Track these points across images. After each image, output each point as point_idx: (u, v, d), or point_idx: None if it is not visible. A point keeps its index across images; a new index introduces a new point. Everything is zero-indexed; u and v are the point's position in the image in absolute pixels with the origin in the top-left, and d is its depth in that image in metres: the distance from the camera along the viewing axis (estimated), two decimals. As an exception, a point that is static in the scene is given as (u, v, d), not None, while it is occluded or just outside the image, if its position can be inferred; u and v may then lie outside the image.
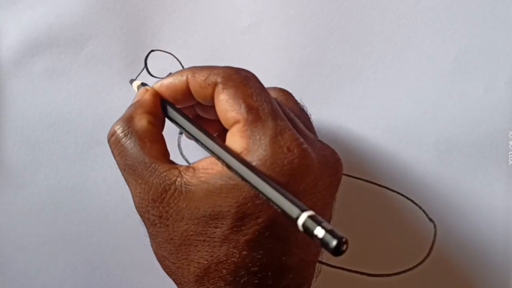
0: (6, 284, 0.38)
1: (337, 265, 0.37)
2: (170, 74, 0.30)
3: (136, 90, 0.32)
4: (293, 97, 0.33)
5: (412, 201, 0.38)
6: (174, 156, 0.38)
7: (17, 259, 0.38)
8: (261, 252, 0.26)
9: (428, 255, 0.38)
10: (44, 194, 0.38)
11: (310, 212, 0.22)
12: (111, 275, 0.38)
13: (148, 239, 0.35)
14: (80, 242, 0.38)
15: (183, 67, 0.38)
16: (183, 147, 0.38)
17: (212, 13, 0.38)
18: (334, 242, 0.21)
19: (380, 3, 0.38)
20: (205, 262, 0.26)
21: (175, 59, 0.38)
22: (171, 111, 0.29)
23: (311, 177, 0.26)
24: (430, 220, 0.38)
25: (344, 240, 0.21)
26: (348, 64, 0.38)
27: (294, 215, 0.22)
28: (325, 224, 0.21)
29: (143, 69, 0.38)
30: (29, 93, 0.38)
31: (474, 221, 0.38)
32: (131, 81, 0.37)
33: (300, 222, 0.22)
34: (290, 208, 0.23)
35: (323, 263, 0.35)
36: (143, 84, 0.33)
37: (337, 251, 0.21)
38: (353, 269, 0.37)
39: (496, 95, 0.38)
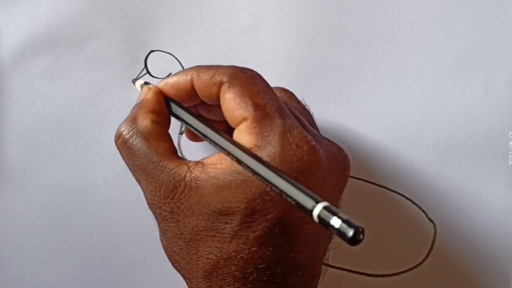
0: (6, 284, 0.38)
1: (337, 265, 0.37)
2: (174, 73, 0.30)
3: (139, 89, 0.32)
4: (295, 96, 0.33)
5: (412, 201, 0.38)
6: (174, 156, 0.38)
7: (17, 259, 0.38)
8: (270, 249, 0.26)
9: (428, 255, 0.38)
10: (44, 194, 0.38)
11: (325, 203, 0.22)
12: (111, 275, 0.38)
13: (147, 239, 0.35)
14: (80, 242, 0.38)
15: (183, 67, 0.38)
16: (183, 147, 0.38)
17: (212, 13, 0.38)
18: (351, 232, 0.21)
19: (380, 3, 0.38)
20: (214, 257, 0.26)
21: (175, 59, 0.38)
22: (177, 109, 0.29)
23: (320, 173, 0.26)
24: (430, 220, 0.38)
25: (360, 229, 0.21)
26: (348, 64, 0.38)
27: (309, 207, 0.22)
28: (341, 214, 0.21)
29: (143, 69, 0.38)
30: (29, 93, 0.38)
31: (474, 221, 0.38)
32: (134, 80, 0.37)
33: (315, 213, 0.22)
34: (304, 199, 0.23)
35: (324, 264, 0.35)
36: (146, 83, 0.33)
37: (354, 241, 0.21)
38: (353, 269, 0.37)
39: (496, 95, 0.38)
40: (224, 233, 0.26)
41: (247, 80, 0.27)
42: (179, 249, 0.28)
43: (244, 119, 0.26)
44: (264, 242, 0.26)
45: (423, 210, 0.38)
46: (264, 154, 0.25)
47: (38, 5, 0.37)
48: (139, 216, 0.38)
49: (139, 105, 0.29)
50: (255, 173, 0.24)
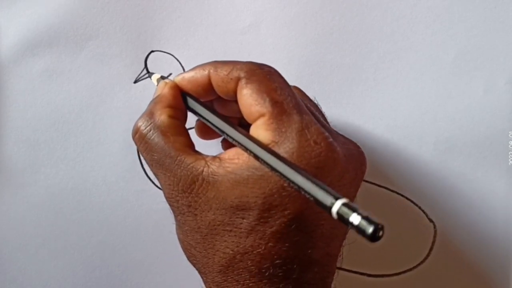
0: (6, 284, 0.38)
1: (337, 265, 0.37)
2: (190, 68, 0.30)
3: (156, 83, 0.32)
4: (307, 96, 0.33)
5: (412, 201, 0.38)
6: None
7: (17, 259, 0.38)
8: (287, 244, 0.26)
9: (428, 255, 0.38)
10: (44, 194, 0.38)
11: (344, 200, 0.22)
12: (111, 275, 0.38)
13: (147, 239, 0.35)
14: (80, 242, 0.38)
15: (183, 67, 0.38)
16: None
17: (212, 13, 0.38)
18: (370, 229, 0.20)
19: (380, 3, 0.38)
20: (231, 252, 0.26)
21: (175, 59, 0.38)
22: (193, 103, 0.29)
23: (337, 170, 0.26)
24: (430, 220, 0.38)
25: (380, 226, 0.21)
26: (348, 64, 0.38)
27: (328, 203, 0.22)
28: (360, 210, 0.21)
29: (143, 69, 0.38)
30: (29, 93, 0.38)
31: (474, 221, 0.38)
32: (135, 80, 0.37)
33: (334, 209, 0.22)
34: (323, 196, 0.23)
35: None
36: (162, 78, 0.33)
37: (374, 237, 0.20)
38: (353, 269, 0.37)
39: (496, 95, 0.38)
40: (241, 228, 0.26)
41: (265, 76, 0.27)
42: (195, 243, 0.28)
43: (261, 115, 0.26)
44: (281, 237, 0.26)
45: (423, 210, 0.38)
46: (281, 150, 0.25)
47: (38, 5, 0.37)
48: (139, 216, 0.38)
49: (156, 100, 0.29)
50: (272, 169, 0.24)
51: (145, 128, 0.28)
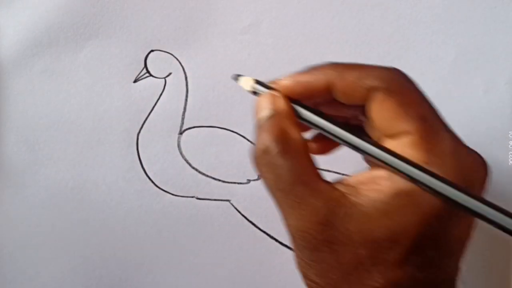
0: (6, 284, 0.38)
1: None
2: (302, 70, 0.26)
3: (247, 88, 0.27)
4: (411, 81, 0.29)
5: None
6: (174, 157, 0.38)
7: (17, 259, 0.38)
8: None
9: (428, 255, 0.38)
10: (44, 194, 0.38)
11: None
12: (111, 275, 0.38)
13: (147, 239, 0.35)
14: (80, 242, 0.38)
15: (183, 67, 0.38)
16: (183, 147, 0.38)
17: (212, 13, 0.38)
18: None
19: (380, 3, 0.38)
20: (378, 285, 0.24)
21: (175, 59, 0.38)
22: (313, 117, 0.25)
23: (485, 183, 0.25)
24: (430, 220, 0.38)
25: None
26: (348, 64, 0.38)
27: None
28: None
29: (143, 69, 0.38)
30: (29, 93, 0.38)
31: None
32: (135, 80, 0.37)
33: None
34: (508, 222, 0.22)
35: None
36: (259, 83, 0.27)
37: None
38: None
39: (496, 95, 0.38)
40: (389, 260, 0.23)
41: (407, 88, 0.25)
42: (337, 279, 0.25)
43: (407, 133, 0.24)
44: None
45: (423, 210, 0.38)
46: (437, 172, 0.23)
47: (38, 5, 0.37)
48: (139, 216, 0.38)
49: (281, 117, 0.25)
50: (438, 193, 0.23)
51: (277, 150, 0.24)
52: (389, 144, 0.24)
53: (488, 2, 0.37)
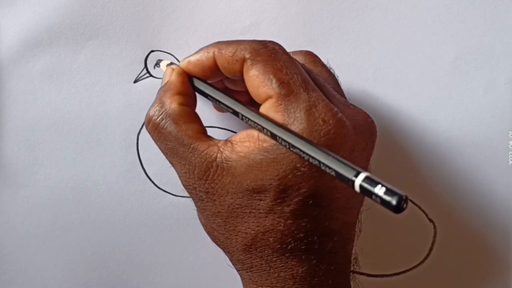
0: (6, 284, 0.38)
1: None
2: (195, 52, 0.30)
3: (164, 69, 0.32)
4: (320, 60, 0.33)
5: (412, 201, 0.38)
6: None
7: (17, 259, 0.38)
8: (305, 220, 0.27)
9: (428, 255, 0.38)
10: (44, 194, 0.38)
11: (366, 173, 0.22)
12: (111, 275, 0.38)
13: (147, 239, 0.35)
14: (80, 242, 0.38)
15: (183, 67, 0.38)
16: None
17: (212, 13, 0.38)
18: (395, 200, 0.21)
19: (380, 3, 0.38)
20: (252, 232, 0.27)
21: (175, 59, 0.38)
22: (204, 86, 0.29)
23: (348, 144, 0.26)
24: (430, 220, 0.38)
25: (404, 197, 0.21)
26: (348, 64, 0.38)
27: (350, 177, 0.23)
28: (384, 183, 0.21)
29: (143, 69, 0.38)
30: (29, 93, 0.38)
31: (474, 221, 0.38)
32: (136, 80, 0.38)
33: (357, 183, 0.22)
34: (346, 170, 0.23)
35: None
36: (171, 63, 0.33)
37: (398, 209, 0.21)
38: (353, 269, 0.37)
39: (496, 95, 0.38)
40: (259, 209, 0.27)
41: (269, 56, 0.27)
42: (217, 226, 0.28)
43: (269, 97, 0.26)
44: (299, 214, 0.26)
45: (423, 210, 0.38)
46: None
47: (38, 5, 0.37)
48: (139, 216, 0.38)
49: (165, 88, 0.30)
50: (292, 146, 0.25)
51: (157, 118, 0.29)
52: (260, 109, 0.27)
53: (488, 2, 0.37)
